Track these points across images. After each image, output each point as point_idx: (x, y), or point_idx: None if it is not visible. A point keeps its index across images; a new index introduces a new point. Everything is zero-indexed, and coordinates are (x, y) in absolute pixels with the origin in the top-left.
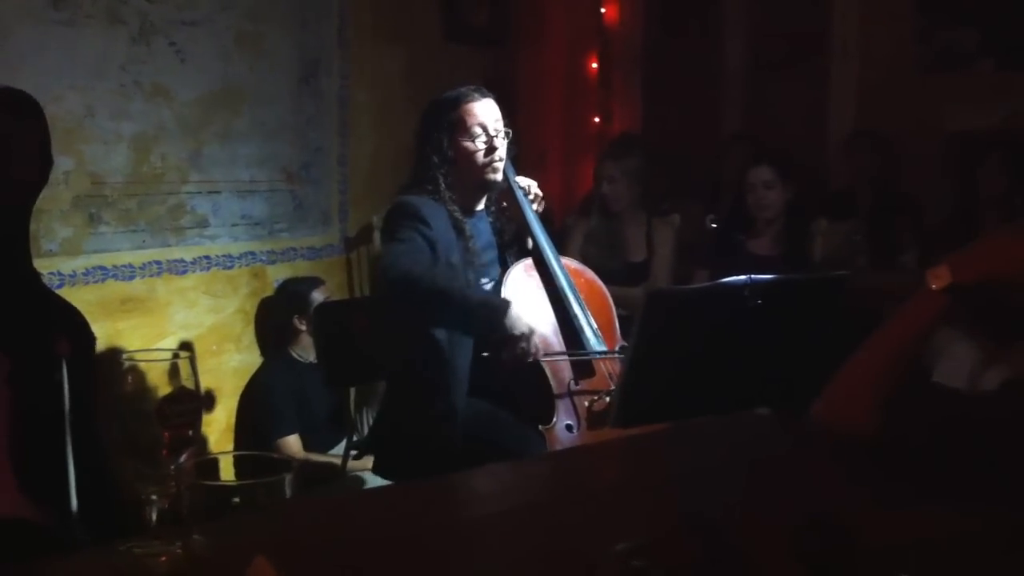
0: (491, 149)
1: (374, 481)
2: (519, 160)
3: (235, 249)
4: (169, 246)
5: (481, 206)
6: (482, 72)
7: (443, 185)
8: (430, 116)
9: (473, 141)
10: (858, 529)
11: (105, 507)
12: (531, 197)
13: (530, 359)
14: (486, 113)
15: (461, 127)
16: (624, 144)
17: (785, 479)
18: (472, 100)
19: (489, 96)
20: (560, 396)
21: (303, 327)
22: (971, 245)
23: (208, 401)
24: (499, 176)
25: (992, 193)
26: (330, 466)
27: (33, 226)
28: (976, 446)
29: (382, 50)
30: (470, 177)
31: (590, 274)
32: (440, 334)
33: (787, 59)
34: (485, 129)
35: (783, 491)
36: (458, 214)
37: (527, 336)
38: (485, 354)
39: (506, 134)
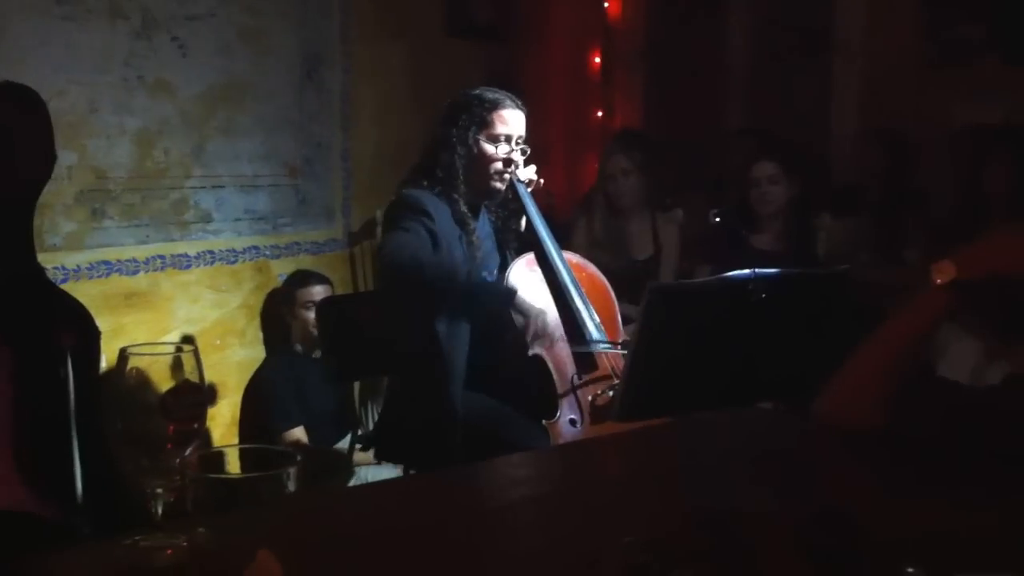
0: (508, 161)
1: (379, 474)
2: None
3: (239, 244)
4: (173, 241)
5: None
6: (484, 67)
7: (461, 176)
8: (462, 108)
9: (496, 148)
10: (864, 522)
11: (109, 501)
12: (527, 183)
13: (548, 340)
14: (517, 125)
15: (490, 130)
16: (631, 138)
17: (791, 473)
18: (509, 108)
19: (523, 109)
20: (563, 390)
21: (291, 319)
22: (975, 241)
23: (212, 395)
24: (503, 187)
25: (998, 188)
26: (335, 459)
27: (37, 221)
28: (982, 438)
29: (384, 45)
30: (477, 179)
31: (592, 268)
32: (440, 326)
33: (791, 54)
34: (510, 140)
35: (789, 485)
36: (464, 208)
37: (538, 318)
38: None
39: (523, 151)
